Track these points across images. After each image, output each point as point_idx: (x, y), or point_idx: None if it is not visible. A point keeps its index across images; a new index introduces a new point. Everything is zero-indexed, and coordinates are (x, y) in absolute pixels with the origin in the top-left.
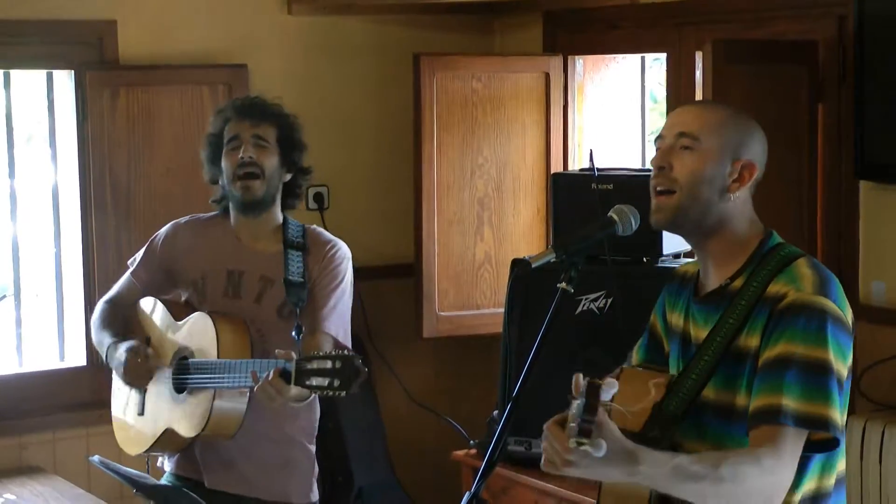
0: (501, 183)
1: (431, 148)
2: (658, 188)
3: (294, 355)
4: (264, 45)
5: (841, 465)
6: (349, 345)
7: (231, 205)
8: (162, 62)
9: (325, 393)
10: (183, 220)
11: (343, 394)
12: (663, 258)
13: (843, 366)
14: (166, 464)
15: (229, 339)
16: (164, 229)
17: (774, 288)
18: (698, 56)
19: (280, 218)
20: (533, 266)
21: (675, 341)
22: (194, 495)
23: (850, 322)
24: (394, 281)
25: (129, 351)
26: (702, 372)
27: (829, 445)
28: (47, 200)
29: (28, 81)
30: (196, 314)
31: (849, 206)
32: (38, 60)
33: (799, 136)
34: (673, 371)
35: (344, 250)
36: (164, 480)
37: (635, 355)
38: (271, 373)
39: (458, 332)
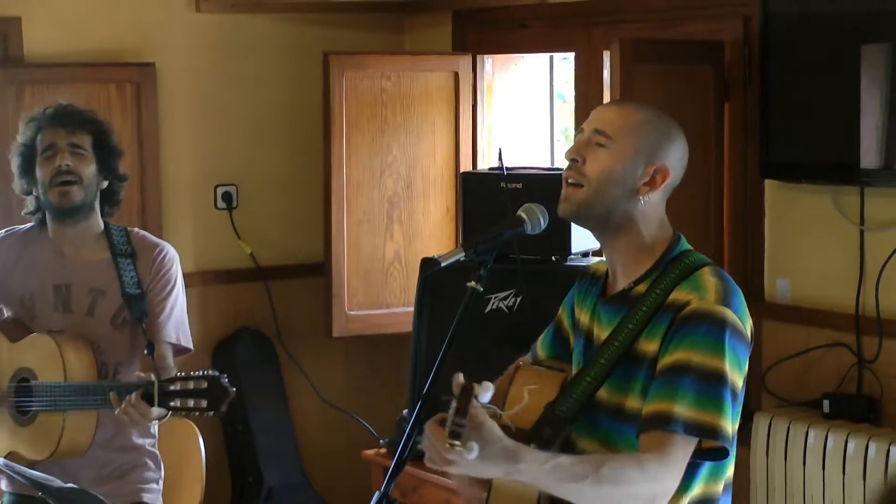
0: (411, 182)
1: (341, 147)
2: (569, 180)
3: (154, 377)
4: (172, 43)
5: (730, 471)
6: (190, 345)
7: (48, 214)
8: (68, 60)
9: (192, 414)
10: None
11: (211, 414)
12: (572, 257)
13: (738, 377)
14: (3, 484)
15: (73, 359)
16: None
17: (677, 295)
18: (606, 55)
19: (101, 225)
20: (442, 265)
21: (580, 339)
22: (100, 497)
23: (750, 334)
24: (303, 280)
25: None
26: (597, 375)
27: (719, 454)
28: None
29: None
30: (35, 335)
31: (754, 205)
32: None
33: (706, 136)
34: (575, 368)
35: (172, 252)
36: (4, 500)
37: (540, 350)
38: (134, 396)
39: (368, 331)
